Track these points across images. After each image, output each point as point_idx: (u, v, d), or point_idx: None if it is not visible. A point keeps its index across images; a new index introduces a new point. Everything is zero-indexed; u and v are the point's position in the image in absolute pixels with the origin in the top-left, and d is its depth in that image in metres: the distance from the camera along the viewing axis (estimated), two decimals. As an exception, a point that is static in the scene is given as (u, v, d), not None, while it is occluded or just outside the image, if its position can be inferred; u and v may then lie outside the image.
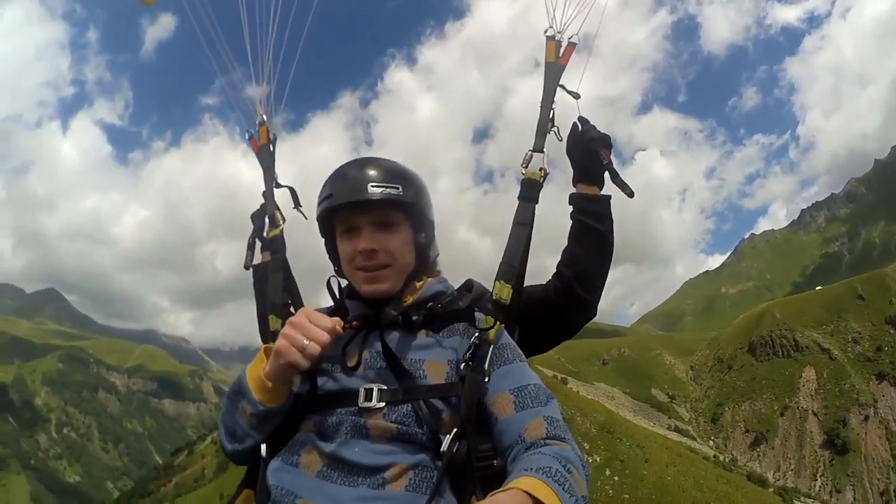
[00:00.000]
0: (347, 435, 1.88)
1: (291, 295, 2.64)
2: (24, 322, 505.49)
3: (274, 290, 2.57)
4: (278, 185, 2.88)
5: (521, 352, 2.15)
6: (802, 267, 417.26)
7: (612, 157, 2.62)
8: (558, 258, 2.57)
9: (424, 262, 2.26)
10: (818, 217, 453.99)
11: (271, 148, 3.08)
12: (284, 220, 2.69)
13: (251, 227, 2.83)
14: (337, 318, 1.95)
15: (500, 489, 1.51)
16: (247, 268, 2.75)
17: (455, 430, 1.85)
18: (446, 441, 1.82)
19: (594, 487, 72.01)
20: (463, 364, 1.97)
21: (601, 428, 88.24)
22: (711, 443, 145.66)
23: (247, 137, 3.13)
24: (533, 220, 2.39)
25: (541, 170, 2.42)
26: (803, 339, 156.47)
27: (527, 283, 2.38)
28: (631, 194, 2.55)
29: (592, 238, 2.59)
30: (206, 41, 3.11)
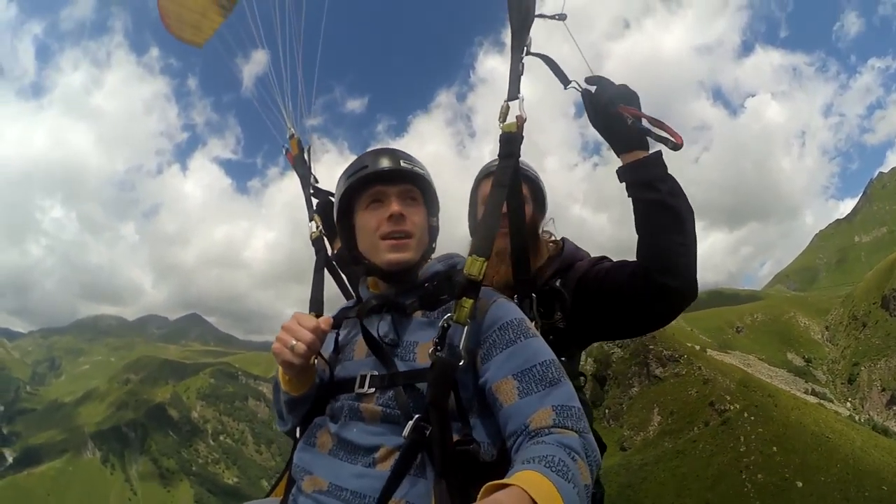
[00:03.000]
0: (347, 417, 2.10)
1: (343, 291, 3.04)
2: (172, 346, 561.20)
3: (315, 287, 2.91)
4: (316, 192, 3.35)
5: (528, 326, 2.12)
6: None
7: (642, 111, 2.33)
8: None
9: (433, 247, 2.40)
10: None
11: (305, 157, 3.54)
12: (319, 226, 3.09)
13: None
14: (325, 318, 2.16)
15: (499, 483, 1.53)
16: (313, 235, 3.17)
17: (418, 415, 1.93)
18: (408, 426, 1.91)
19: (738, 427, 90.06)
20: (431, 348, 2.00)
21: (739, 384, 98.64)
22: (849, 404, 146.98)
23: (283, 152, 3.63)
24: (517, 178, 2.35)
25: (517, 118, 2.31)
26: None
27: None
28: (676, 146, 2.22)
29: (652, 211, 2.34)
30: (240, 60, 3.69)
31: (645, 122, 2.28)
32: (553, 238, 2.99)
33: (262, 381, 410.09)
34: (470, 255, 2.10)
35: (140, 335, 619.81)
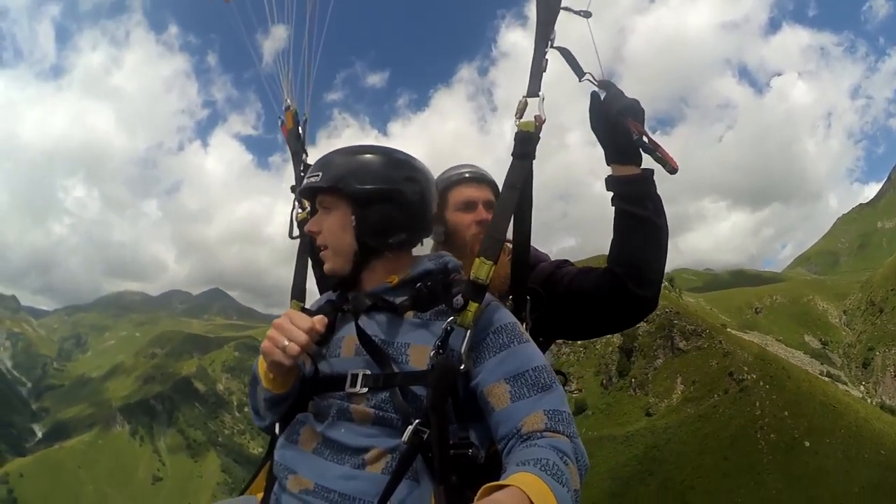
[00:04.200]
0: (334, 417, 2.05)
1: (319, 283, 2.88)
2: (195, 321, 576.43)
3: (297, 274, 2.87)
4: (306, 168, 3.15)
5: (521, 332, 2.10)
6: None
7: (646, 128, 2.34)
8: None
9: (370, 243, 2.21)
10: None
11: (300, 131, 3.37)
12: (307, 207, 2.79)
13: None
14: (319, 317, 2.06)
15: (497, 484, 1.53)
16: (291, 236, 3.03)
17: (418, 419, 1.90)
18: (408, 430, 1.88)
19: (754, 394, 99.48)
20: (433, 351, 1.98)
21: (756, 357, 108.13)
22: (862, 387, 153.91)
23: (279, 124, 3.46)
24: (529, 181, 2.29)
25: (536, 118, 2.25)
26: None
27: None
28: (673, 171, 2.30)
29: (637, 225, 2.40)
30: (246, 28, 3.45)
31: (646, 140, 2.33)
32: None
33: None
34: (478, 257, 2.08)
35: (164, 310, 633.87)
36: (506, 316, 2.12)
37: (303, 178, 2.87)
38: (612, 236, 2.46)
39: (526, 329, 2.31)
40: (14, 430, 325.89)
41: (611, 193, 2.46)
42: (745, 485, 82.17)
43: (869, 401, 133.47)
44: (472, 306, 2.00)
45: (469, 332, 1.98)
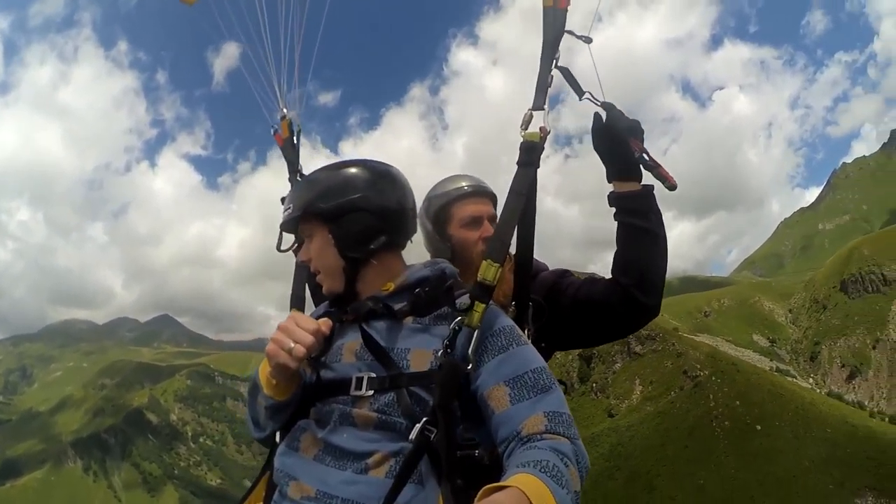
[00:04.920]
0: (336, 422, 2.04)
1: (313, 292, 2.94)
2: (144, 349, 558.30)
3: (296, 282, 2.92)
4: (303, 178, 3.01)
5: (519, 334, 2.12)
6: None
7: (646, 146, 2.51)
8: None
9: (356, 253, 2.24)
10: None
11: (295, 141, 3.43)
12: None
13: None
14: (324, 320, 2.10)
15: (497, 485, 1.54)
16: (279, 250, 2.92)
17: (425, 418, 1.91)
18: (415, 429, 1.90)
19: (708, 388, 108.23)
20: (441, 351, 2.00)
21: (707, 355, 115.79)
22: (811, 380, 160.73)
23: (272, 133, 3.48)
24: (533, 188, 2.35)
25: (540, 129, 2.33)
26: (891, 274, 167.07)
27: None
28: (672, 187, 2.48)
29: (642, 238, 2.54)
30: (230, 33, 3.48)
31: (647, 158, 2.49)
32: None
33: (240, 380, 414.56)
34: (484, 259, 2.13)
35: (111, 339, 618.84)
36: (504, 319, 2.16)
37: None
38: (616, 248, 2.63)
39: (528, 336, 2.45)
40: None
41: (613, 209, 2.62)
42: (706, 467, 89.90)
43: (819, 391, 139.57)
44: (479, 307, 2.05)
45: (476, 332, 2.02)
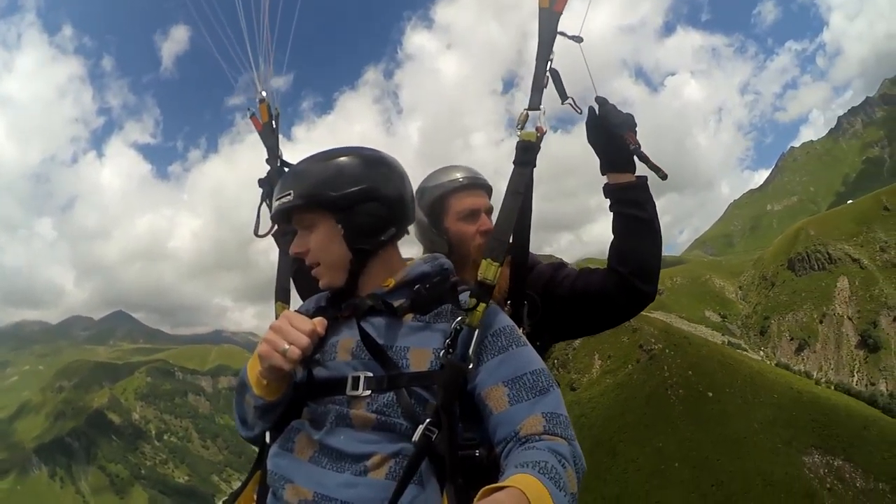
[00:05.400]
0: (332, 423, 1.98)
1: (295, 281, 2.86)
2: (100, 348, 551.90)
3: (280, 273, 2.79)
4: (283, 164, 3.06)
5: (519, 335, 2.11)
6: (844, 176, 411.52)
7: (639, 140, 2.52)
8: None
9: (366, 245, 2.18)
10: (855, 123, 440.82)
11: (274, 125, 3.25)
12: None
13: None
14: (319, 319, 2.04)
15: (497, 485, 1.54)
16: (256, 234, 2.94)
17: (428, 419, 1.88)
18: (418, 430, 1.86)
19: (662, 360, 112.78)
20: (442, 350, 1.98)
21: (661, 330, 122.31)
22: (762, 353, 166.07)
23: (248, 116, 3.29)
24: (530, 187, 2.37)
25: (537, 129, 2.35)
26: (836, 252, 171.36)
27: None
28: (664, 177, 2.47)
29: (639, 227, 2.57)
30: (202, 21, 3.19)
31: (640, 151, 2.50)
32: None
33: (200, 374, 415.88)
34: (484, 258, 2.13)
35: (66, 339, 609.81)
36: (504, 319, 2.15)
37: (280, 173, 3.06)
38: (613, 239, 2.66)
39: (524, 333, 2.33)
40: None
41: (609, 200, 2.67)
42: (663, 432, 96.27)
43: (769, 363, 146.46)
44: (480, 306, 2.03)
45: (477, 332, 2.00)
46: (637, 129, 2.55)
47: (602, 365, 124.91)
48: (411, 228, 2.42)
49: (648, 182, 2.63)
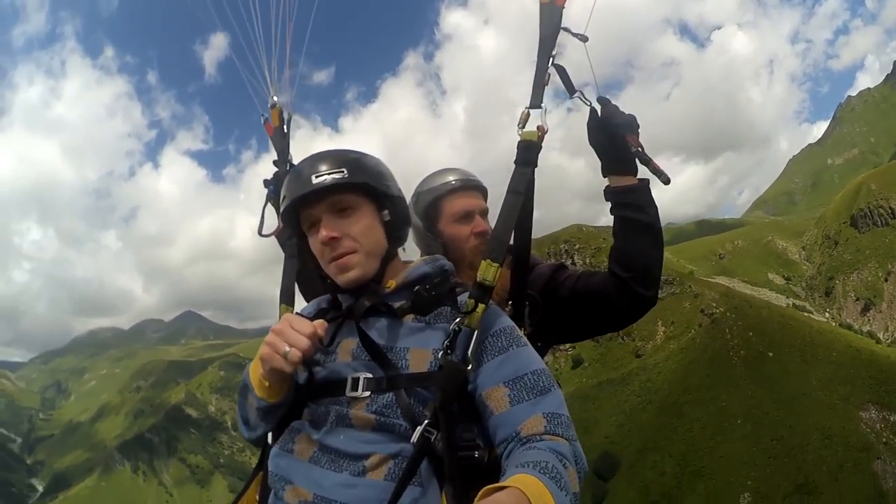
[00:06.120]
0: (332, 424, 1.99)
1: (298, 284, 2.83)
2: (173, 348, 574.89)
3: (286, 277, 2.78)
4: (292, 167, 2.94)
5: (519, 335, 2.12)
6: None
7: (641, 141, 2.43)
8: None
9: (397, 240, 2.24)
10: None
11: (285, 129, 3.31)
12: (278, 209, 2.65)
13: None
14: (320, 322, 2.01)
15: (497, 485, 1.53)
16: (260, 234, 3.00)
17: (426, 420, 1.89)
18: (417, 431, 1.87)
19: (724, 323, 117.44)
20: (441, 351, 1.98)
21: (722, 294, 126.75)
22: (827, 314, 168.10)
23: (262, 122, 3.37)
24: (532, 187, 2.33)
25: (538, 128, 2.32)
26: None
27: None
28: (667, 181, 2.39)
29: (640, 231, 2.53)
30: (223, 24, 3.30)
31: (643, 153, 2.42)
32: None
33: None
34: (483, 259, 2.12)
35: (139, 342, 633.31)
36: (504, 319, 2.15)
37: (285, 175, 3.07)
38: (614, 242, 2.62)
39: (525, 334, 2.32)
40: (14, 489, 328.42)
41: (610, 203, 2.61)
42: (726, 391, 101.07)
43: (833, 324, 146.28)
44: (479, 308, 2.04)
45: (476, 333, 2.01)
46: (640, 130, 2.49)
47: (665, 331, 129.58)
48: (410, 234, 2.52)
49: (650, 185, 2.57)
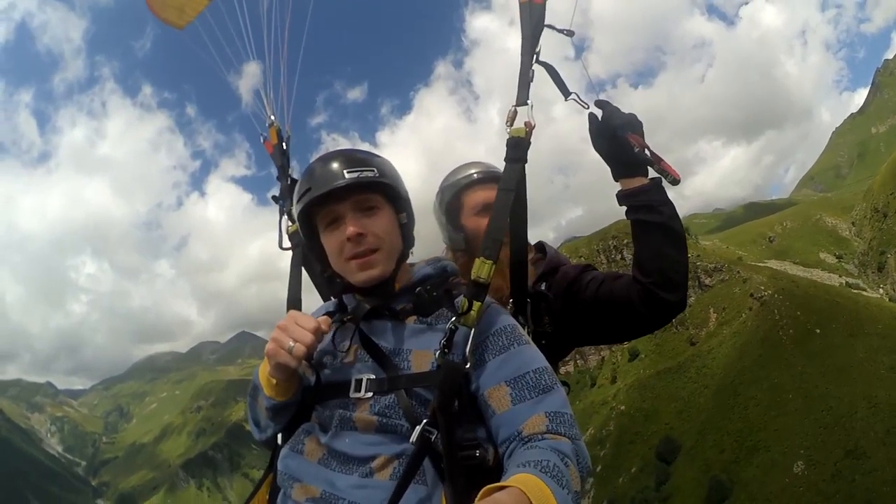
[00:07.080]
0: (337, 427, 2.04)
1: (320, 291, 2.91)
2: (230, 367, 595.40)
3: (292, 284, 2.89)
4: (293, 181, 3.14)
5: (520, 333, 2.15)
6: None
7: (646, 141, 2.44)
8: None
9: (410, 243, 2.30)
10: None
11: (284, 147, 3.44)
12: (294, 221, 2.71)
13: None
14: (324, 318, 2.08)
15: (498, 485, 1.55)
16: (281, 247, 3.08)
17: (425, 420, 1.90)
18: (416, 431, 1.89)
19: (772, 305, 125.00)
20: (438, 351, 2.01)
21: (769, 277, 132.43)
22: (881, 290, 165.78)
23: (261, 141, 3.50)
24: (522, 183, 2.36)
25: (526, 124, 2.34)
26: None
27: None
28: (675, 181, 2.40)
29: (656, 233, 2.48)
30: (217, 51, 3.48)
31: (648, 153, 2.43)
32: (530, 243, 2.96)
33: None
34: (477, 257, 2.13)
35: (197, 364, 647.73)
36: (505, 318, 2.17)
37: (290, 189, 3.20)
38: (634, 247, 2.59)
39: (528, 333, 2.39)
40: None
41: (624, 208, 2.57)
42: (778, 368, 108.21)
43: (886, 300, 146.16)
44: (476, 306, 2.05)
45: (473, 331, 2.03)
46: (643, 129, 2.49)
47: (717, 317, 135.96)
48: (438, 229, 2.78)
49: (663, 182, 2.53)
